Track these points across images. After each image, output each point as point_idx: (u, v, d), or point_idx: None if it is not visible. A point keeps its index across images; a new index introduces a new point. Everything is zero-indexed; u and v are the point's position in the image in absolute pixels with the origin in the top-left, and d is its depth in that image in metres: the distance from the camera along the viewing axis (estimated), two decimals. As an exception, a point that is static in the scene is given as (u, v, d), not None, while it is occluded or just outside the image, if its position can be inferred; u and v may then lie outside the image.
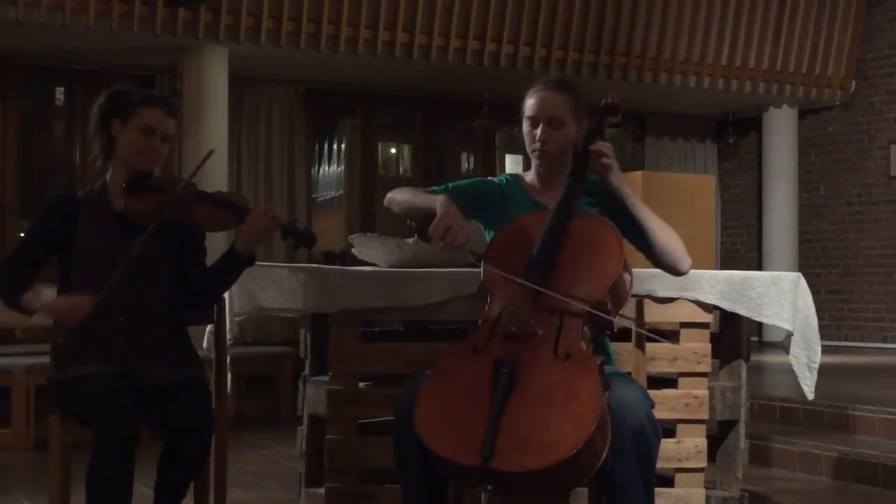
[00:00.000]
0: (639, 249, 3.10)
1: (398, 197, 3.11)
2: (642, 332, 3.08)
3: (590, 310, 2.68)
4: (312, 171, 10.02)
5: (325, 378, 3.64)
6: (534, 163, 3.15)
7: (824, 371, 4.13)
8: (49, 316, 3.11)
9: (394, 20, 8.59)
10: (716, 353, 3.82)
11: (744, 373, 3.93)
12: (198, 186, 3.20)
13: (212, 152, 3.41)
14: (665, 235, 3.00)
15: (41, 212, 3.23)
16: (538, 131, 3.06)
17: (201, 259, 3.29)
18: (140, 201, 3.12)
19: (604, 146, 2.97)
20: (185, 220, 3.16)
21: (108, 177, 3.23)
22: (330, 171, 10.34)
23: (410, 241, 3.77)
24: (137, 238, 3.08)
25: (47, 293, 3.11)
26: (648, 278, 3.60)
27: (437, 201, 2.90)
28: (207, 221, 3.17)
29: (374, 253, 3.90)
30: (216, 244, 3.91)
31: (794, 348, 3.81)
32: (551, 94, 3.06)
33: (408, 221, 3.10)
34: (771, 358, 8.91)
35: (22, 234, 8.72)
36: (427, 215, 2.89)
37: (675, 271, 3.04)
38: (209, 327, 3.61)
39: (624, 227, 2.98)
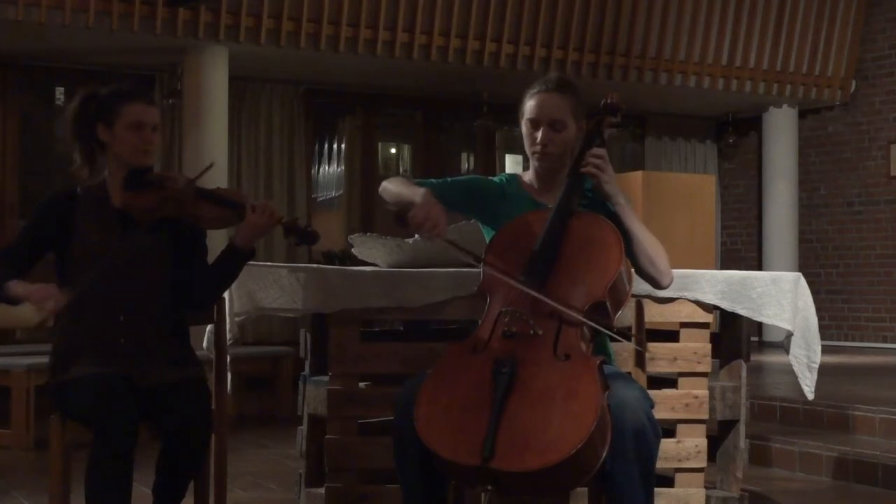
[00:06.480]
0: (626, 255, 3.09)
1: (389, 187, 3.11)
2: (640, 348, 3.07)
3: (583, 320, 2.68)
4: (312, 171, 10.03)
5: (325, 378, 3.64)
6: (533, 164, 3.15)
7: (824, 371, 4.12)
8: (30, 302, 3.02)
9: (394, 20, 8.59)
10: (716, 353, 3.82)
11: (744, 373, 3.92)
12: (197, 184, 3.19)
13: (212, 165, 3.43)
14: (651, 247, 2.98)
15: (38, 209, 3.22)
16: (539, 134, 3.05)
17: (202, 256, 3.29)
18: (140, 197, 3.12)
19: (597, 153, 2.95)
20: (185, 218, 3.16)
21: (106, 173, 3.23)
22: (330, 171, 10.33)
23: (410, 241, 3.77)
24: (137, 235, 3.08)
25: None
26: (649, 278, 3.60)
27: (419, 193, 2.91)
28: (208, 219, 3.17)
29: (374, 253, 3.90)
30: (216, 240, 3.90)
31: (794, 348, 3.81)
32: (552, 97, 3.06)
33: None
34: (771, 358, 8.91)
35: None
36: (411, 205, 2.90)
37: (656, 284, 3.04)
38: (209, 327, 3.61)
39: None
